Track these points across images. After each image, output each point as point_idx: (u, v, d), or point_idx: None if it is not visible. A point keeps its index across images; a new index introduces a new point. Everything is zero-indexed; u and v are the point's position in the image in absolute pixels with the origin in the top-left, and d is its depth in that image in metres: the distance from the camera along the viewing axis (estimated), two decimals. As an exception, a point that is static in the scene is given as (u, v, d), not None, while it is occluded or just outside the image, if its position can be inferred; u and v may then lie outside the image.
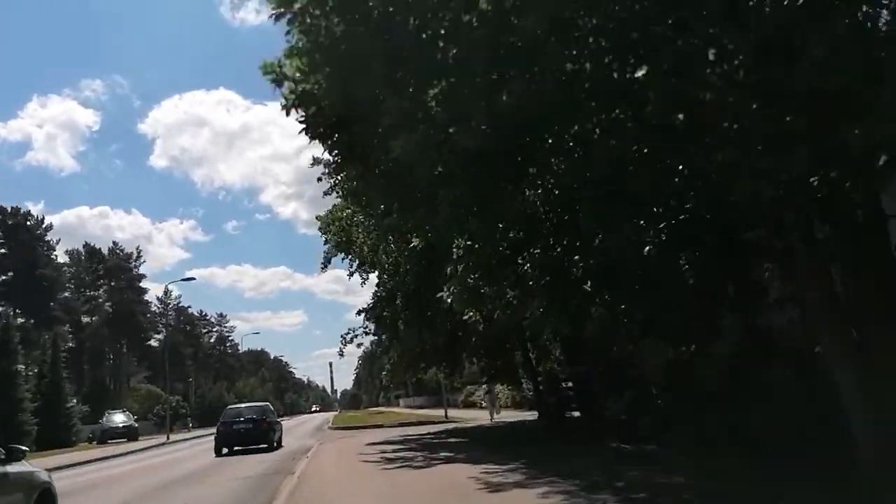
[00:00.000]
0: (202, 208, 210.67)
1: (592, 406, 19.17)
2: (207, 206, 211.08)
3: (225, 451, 23.32)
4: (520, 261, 9.75)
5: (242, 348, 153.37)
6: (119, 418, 46.61)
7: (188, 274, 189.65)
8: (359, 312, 25.79)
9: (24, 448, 8.16)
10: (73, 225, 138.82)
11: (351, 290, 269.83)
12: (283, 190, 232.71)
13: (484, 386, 33.70)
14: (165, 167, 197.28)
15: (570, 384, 23.37)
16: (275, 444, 24.34)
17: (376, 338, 24.69)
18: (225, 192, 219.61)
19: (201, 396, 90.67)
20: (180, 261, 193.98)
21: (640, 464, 10.65)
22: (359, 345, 25.38)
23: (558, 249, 9.46)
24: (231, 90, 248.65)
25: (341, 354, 24.55)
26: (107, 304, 74.13)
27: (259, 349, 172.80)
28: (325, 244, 24.07)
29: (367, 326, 25.68)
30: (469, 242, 9.65)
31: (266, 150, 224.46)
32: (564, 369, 23.68)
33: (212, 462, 20.74)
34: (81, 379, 68.69)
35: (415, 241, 17.54)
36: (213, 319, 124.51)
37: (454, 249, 10.12)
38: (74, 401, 64.58)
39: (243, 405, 29.17)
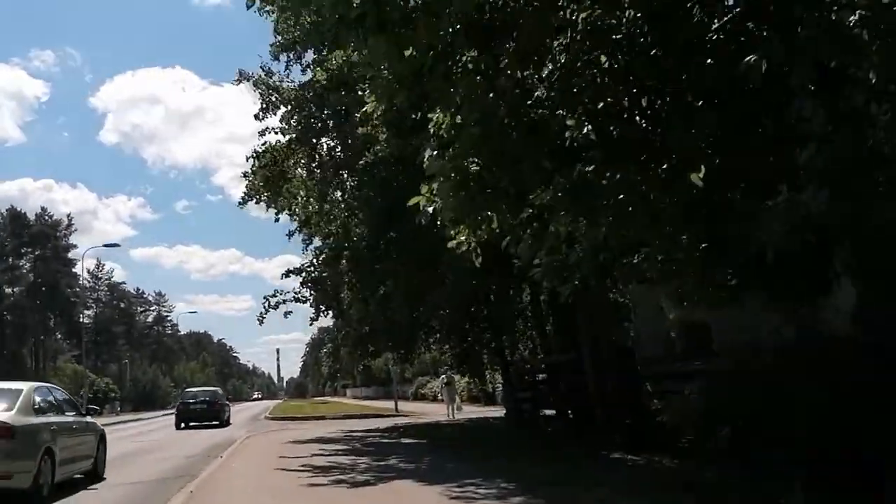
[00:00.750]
0: (152, 186, 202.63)
1: (583, 404, 15.26)
2: (158, 184, 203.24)
3: (183, 425, 27.74)
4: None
5: (183, 330, 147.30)
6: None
7: (132, 253, 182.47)
8: (287, 274, 19.60)
9: (96, 407, 19.89)
10: (15, 197, 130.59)
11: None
12: (237, 172, 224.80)
13: (442, 377, 29.57)
14: (115, 143, 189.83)
15: (542, 377, 19.60)
16: (225, 422, 28.37)
17: (313, 309, 19.33)
18: (177, 171, 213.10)
19: (135, 379, 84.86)
20: (125, 238, 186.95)
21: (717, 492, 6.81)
22: (286, 313, 19.03)
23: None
24: (187, 69, 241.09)
25: (261, 321, 19.34)
26: (30, 274, 67.66)
27: (202, 331, 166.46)
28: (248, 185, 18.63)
29: (299, 292, 19.34)
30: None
31: (221, 132, 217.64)
32: (543, 358, 19.85)
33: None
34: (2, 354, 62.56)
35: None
36: (150, 298, 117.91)
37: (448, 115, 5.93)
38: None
39: (198, 389, 33.80)
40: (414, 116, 8.14)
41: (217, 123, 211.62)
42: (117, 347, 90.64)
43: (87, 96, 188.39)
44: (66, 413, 10.92)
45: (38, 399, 9.99)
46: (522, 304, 20.86)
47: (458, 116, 5.95)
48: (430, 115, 6.37)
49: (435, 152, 6.00)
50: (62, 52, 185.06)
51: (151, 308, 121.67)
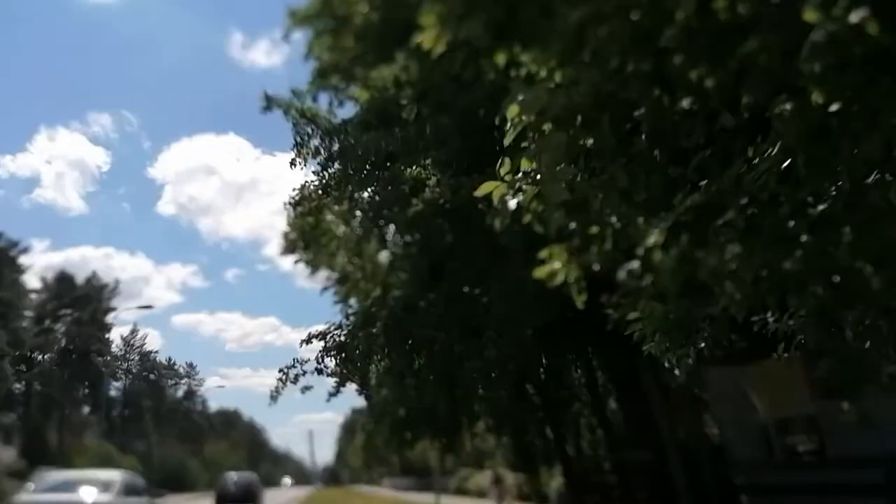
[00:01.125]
0: (206, 256, 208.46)
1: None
2: (211, 254, 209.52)
3: None
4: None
5: (213, 406, 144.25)
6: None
7: (174, 319, 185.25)
8: (308, 340, 14.82)
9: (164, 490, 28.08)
10: (76, 263, 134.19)
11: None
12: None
13: (489, 472, 26.26)
14: (173, 214, 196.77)
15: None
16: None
17: (335, 381, 15.20)
18: (229, 242, 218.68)
19: (163, 459, 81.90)
20: (172, 304, 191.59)
21: None
22: (304, 388, 14.29)
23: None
24: (241, 135, 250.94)
25: (274, 398, 14.94)
26: (62, 339, 66.14)
27: (232, 409, 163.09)
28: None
29: (321, 361, 14.63)
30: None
31: (273, 204, 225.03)
32: (610, 455, 16.73)
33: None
34: (25, 427, 60.38)
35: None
36: (181, 369, 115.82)
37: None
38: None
39: (236, 473, 40.29)
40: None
41: (270, 195, 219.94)
42: (144, 423, 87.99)
43: (145, 166, 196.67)
44: (142, 495, 14.24)
45: (128, 483, 13.35)
46: (576, 384, 17.96)
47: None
48: (516, 55, 3.90)
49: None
50: (118, 115, 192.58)
51: (182, 381, 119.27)
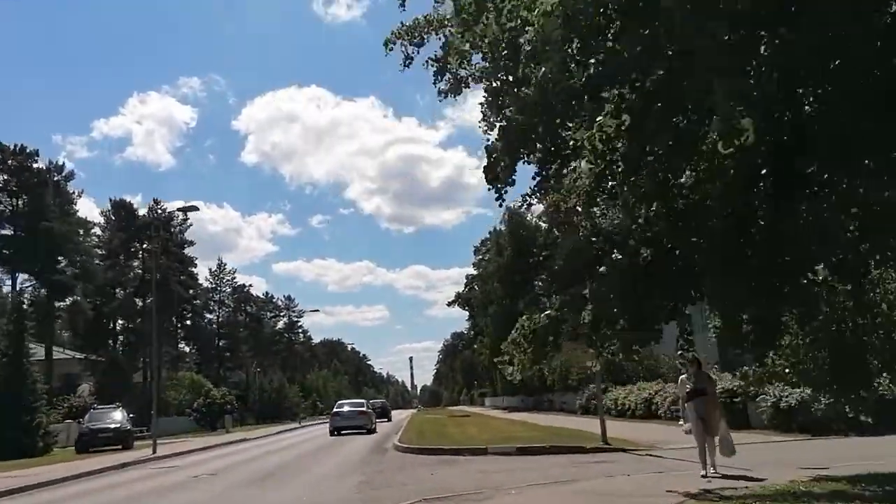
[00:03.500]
0: (290, 202, 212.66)
1: None
2: (295, 200, 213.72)
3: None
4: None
5: (316, 339, 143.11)
6: (109, 417, 33.56)
7: (274, 267, 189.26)
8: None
9: None
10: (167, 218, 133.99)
11: (432, 286, 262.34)
12: (368, 186, 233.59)
13: (682, 373, 14.26)
14: (256, 162, 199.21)
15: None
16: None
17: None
18: (312, 186, 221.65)
19: (261, 388, 78.20)
20: (268, 253, 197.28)
21: None
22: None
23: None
24: (322, 87, 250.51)
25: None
26: (142, 272, 61.55)
27: (336, 339, 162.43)
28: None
29: None
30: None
31: (353, 146, 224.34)
32: None
33: None
34: (107, 363, 56.37)
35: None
36: (279, 302, 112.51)
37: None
38: (86, 388, 52.78)
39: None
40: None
41: (349, 138, 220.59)
42: (241, 354, 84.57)
43: (230, 119, 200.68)
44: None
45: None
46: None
47: None
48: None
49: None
50: (208, 78, 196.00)
51: (282, 314, 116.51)
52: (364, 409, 37.71)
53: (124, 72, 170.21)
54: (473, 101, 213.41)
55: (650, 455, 15.82)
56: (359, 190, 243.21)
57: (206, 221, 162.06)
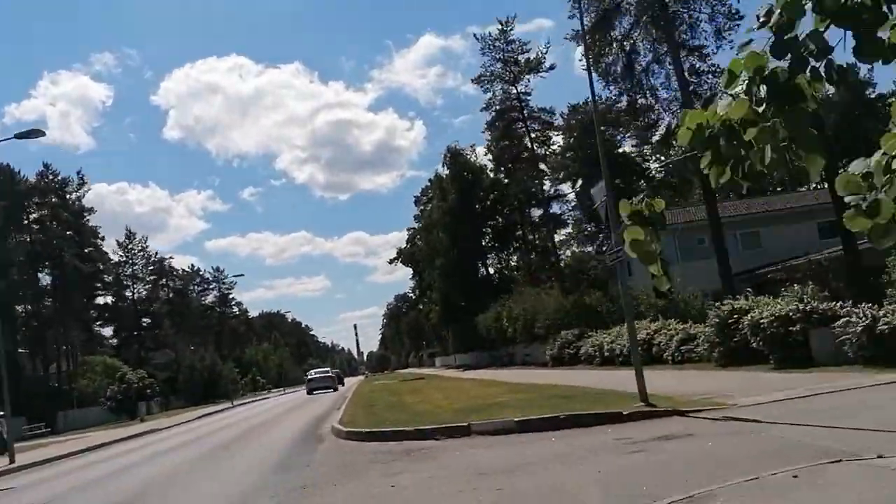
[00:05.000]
0: (218, 177, 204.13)
1: None
2: (224, 174, 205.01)
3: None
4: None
5: (254, 313, 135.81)
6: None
7: (207, 245, 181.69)
8: None
9: None
10: (93, 202, 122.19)
11: (372, 252, 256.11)
12: (298, 154, 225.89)
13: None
14: (180, 138, 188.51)
15: None
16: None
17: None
18: (240, 159, 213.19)
19: (191, 367, 70.75)
20: (201, 231, 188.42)
21: None
22: None
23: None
24: (243, 55, 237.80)
25: None
26: (33, 245, 52.71)
27: (275, 311, 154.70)
28: None
29: None
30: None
31: (280, 115, 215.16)
32: None
33: None
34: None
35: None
36: (208, 275, 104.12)
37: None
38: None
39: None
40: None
41: (276, 107, 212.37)
42: (165, 333, 76.58)
43: (148, 95, 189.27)
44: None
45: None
46: None
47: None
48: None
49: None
50: (120, 52, 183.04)
51: (210, 287, 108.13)
52: (330, 374, 56.33)
53: (31, 51, 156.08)
54: (401, 61, 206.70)
55: (734, 419, 10.09)
56: (289, 159, 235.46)
57: (132, 203, 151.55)
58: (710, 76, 30.19)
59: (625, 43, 31.07)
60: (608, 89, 32.63)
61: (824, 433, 8.07)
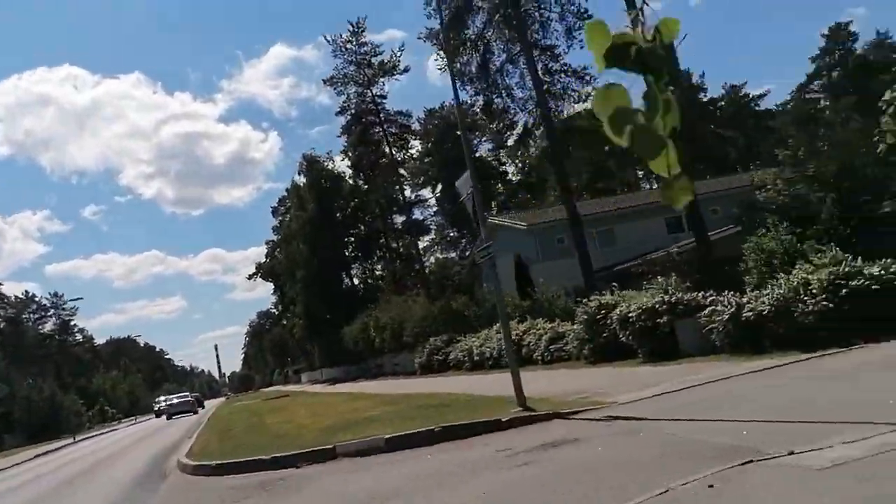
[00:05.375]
0: (55, 195, 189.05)
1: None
2: (61, 192, 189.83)
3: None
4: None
5: (104, 340, 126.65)
6: None
7: (47, 269, 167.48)
8: None
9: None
10: None
11: (230, 269, 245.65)
12: (144, 169, 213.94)
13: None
14: (9, 154, 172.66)
15: None
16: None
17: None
18: (79, 175, 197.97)
19: (28, 400, 63.93)
20: (39, 255, 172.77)
21: None
22: None
23: None
24: (77, 66, 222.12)
25: None
26: None
27: (125, 336, 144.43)
28: None
29: None
30: None
31: (121, 127, 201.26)
32: None
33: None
34: None
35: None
36: (45, 301, 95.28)
37: None
38: None
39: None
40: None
41: (116, 119, 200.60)
42: (-7, 366, 68.75)
43: None
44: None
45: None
46: None
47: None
48: None
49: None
50: None
51: (49, 314, 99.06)
52: (189, 398, 57.03)
53: None
54: (252, 72, 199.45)
55: (617, 418, 9.53)
56: (134, 174, 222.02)
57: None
58: (562, 75, 30.62)
59: (479, 42, 30.89)
60: (464, 90, 32.42)
61: (715, 428, 7.59)
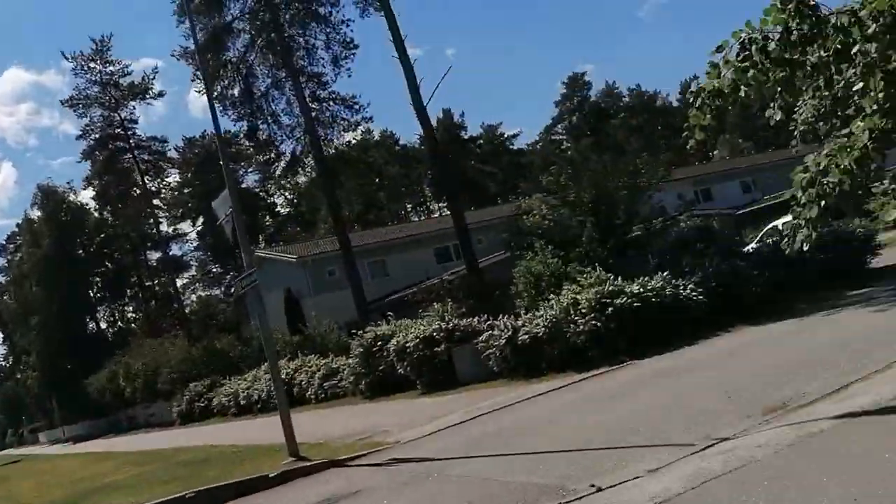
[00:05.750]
0: None
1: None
2: None
3: None
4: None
5: None
6: None
7: None
8: None
9: None
10: None
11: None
12: None
13: None
14: None
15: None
16: None
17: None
18: None
19: None
20: None
21: None
22: None
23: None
24: None
25: None
26: None
27: None
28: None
29: None
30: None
31: None
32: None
33: None
34: None
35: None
36: None
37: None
38: None
39: None
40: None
41: None
42: None
43: None
44: None
45: None
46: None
47: None
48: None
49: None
50: None
51: None
52: None
53: None
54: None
55: (402, 460, 8.59)
56: None
57: None
58: (331, 103, 29.81)
59: (241, 66, 29.09)
60: (226, 114, 30.28)
61: (510, 465, 6.93)
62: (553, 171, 18.97)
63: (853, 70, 4.07)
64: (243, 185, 56.85)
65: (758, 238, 21.57)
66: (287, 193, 59.04)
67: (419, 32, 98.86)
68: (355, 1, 27.66)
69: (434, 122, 39.32)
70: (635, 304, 12.63)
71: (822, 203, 4.22)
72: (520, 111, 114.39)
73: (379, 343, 17.12)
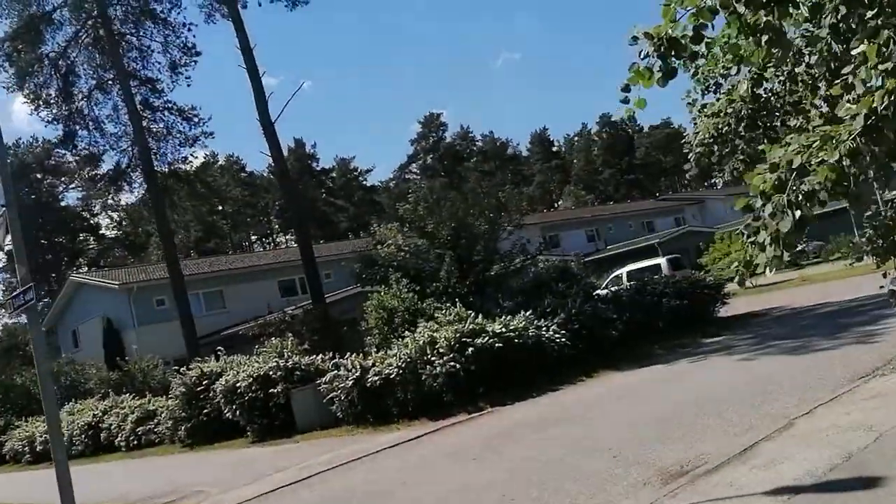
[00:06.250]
0: None
1: None
2: None
3: None
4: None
5: None
6: None
7: None
8: None
9: None
10: None
11: None
12: None
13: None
14: None
15: None
16: None
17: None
18: None
19: None
20: None
21: None
22: None
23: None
24: None
25: None
26: None
27: None
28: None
29: None
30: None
31: None
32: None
33: None
34: None
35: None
36: None
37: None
38: None
39: None
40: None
41: None
42: None
43: None
44: None
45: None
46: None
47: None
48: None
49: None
50: None
51: None
52: None
53: None
54: None
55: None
56: None
57: None
58: (166, 112, 26.85)
59: (60, 62, 25.62)
60: (37, 114, 26.35)
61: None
62: (410, 199, 17.80)
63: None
64: (63, 203, 51.46)
65: (603, 285, 21.60)
66: (114, 213, 53.92)
67: (275, 63, 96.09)
68: (200, 4, 25.28)
69: (285, 151, 37.08)
70: (497, 345, 11.55)
71: (797, 213, 3.15)
72: (375, 147, 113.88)
73: (205, 382, 14.84)
